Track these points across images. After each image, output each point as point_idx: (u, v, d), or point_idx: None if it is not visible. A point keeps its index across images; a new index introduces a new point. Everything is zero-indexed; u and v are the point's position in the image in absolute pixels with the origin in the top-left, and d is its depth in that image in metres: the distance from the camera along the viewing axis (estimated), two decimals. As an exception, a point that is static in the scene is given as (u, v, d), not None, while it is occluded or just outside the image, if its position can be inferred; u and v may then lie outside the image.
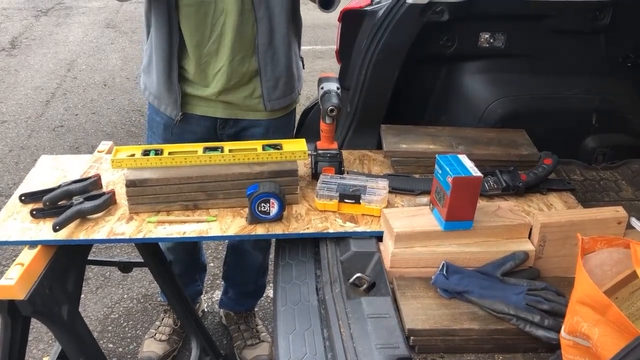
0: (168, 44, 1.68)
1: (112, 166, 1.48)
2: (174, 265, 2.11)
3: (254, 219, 1.44)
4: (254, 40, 1.70)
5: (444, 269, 1.29)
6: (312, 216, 1.49)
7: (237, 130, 1.86)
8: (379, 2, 1.97)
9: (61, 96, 4.73)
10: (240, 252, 2.23)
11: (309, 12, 1.87)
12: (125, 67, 5.34)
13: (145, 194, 1.46)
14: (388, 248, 1.35)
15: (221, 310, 2.50)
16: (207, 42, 1.68)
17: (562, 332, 1.02)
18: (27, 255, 1.31)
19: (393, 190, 1.59)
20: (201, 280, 2.43)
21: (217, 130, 1.85)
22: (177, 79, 1.73)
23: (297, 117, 2.18)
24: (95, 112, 4.48)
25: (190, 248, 2.25)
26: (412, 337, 1.17)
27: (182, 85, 1.76)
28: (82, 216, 1.43)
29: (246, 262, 2.25)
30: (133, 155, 1.48)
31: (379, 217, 1.47)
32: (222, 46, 1.69)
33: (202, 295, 2.56)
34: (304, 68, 1.95)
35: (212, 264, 2.86)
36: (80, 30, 6.30)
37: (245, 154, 1.50)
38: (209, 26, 1.66)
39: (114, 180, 1.61)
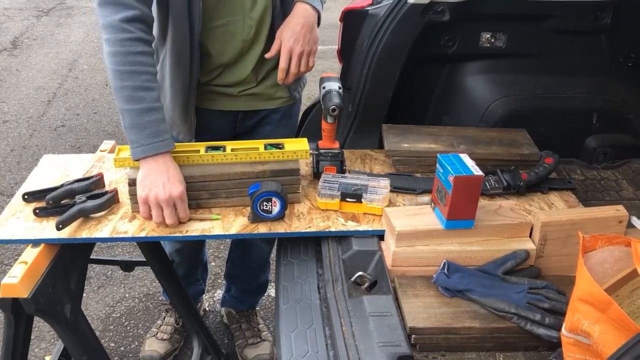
0: (187, 78, 1.64)
1: (114, 165, 1.49)
2: (179, 266, 2.12)
3: (256, 217, 1.44)
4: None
5: (445, 267, 1.29)
6: (314, 215, 1.49)
7: (256, 120, 1.85)
8: (380, 2, 1.97)
9: (62, 96, 4.74)
10: (245, 245, 2.24)
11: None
12: (126, 67, 5.34)
13: (148, 193, 1.47)
14: (389, 247, 1.35)
15: (223, 308, 2.50)
16: (237, 56, 1.68)
17: (563, 330, 1.03)
18: (30, 254, 1.32)
19: (394, 189, 1.60)
20: (203, 280, 2.44)
21: (237, 124, 1.85)
22: (194, 111, 1.71)
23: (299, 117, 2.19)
24: (97, 112, 4.49)
25: (197, 248, 2.26)
26: (413, 336, 1.18)
27: (206, 86, 1.74)
28: (85, 215, 1.43)
29: (251, 256, 2.25)
30: (136, 154, 1.48)
31: (381, 216, 1.47)
32: (250, 55, 1.69)
33: (204, 295, 2.57)
34: None
35: (213, 263, 2.86)
36: (81, 30, 6.31)
37: (247, 153, 1.50)
38: (240, 42, 1.65)
39: (116, 179, 1.61)
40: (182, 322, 2.32)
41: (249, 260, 2.27)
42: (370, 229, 1.45)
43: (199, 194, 1.50)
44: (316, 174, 1.63)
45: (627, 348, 0.81)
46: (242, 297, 2.40)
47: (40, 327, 2.41)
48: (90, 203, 1.44)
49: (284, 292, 1.35)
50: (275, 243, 1.76)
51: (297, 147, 1.53)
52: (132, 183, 1.45)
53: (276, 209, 1.43)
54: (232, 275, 2.39)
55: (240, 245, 2.27)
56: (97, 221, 1.44)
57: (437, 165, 1.36)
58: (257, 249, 2.23)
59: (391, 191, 1.56)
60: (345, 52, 2.02)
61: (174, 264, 1.94)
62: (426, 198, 1.57)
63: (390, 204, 1.52)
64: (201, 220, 1.47)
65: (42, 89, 4.84)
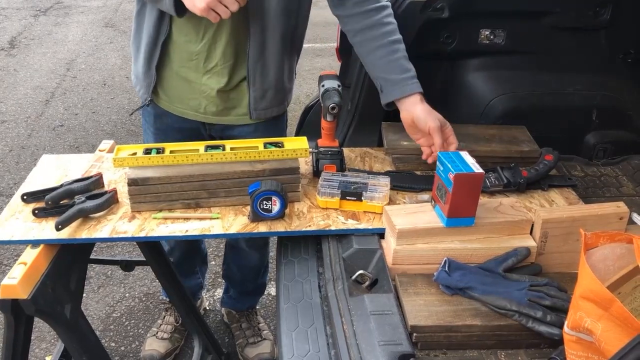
0: (155, 32, 1.66)
1: (114, 165, 1.48)
2: (172, 252, 2.11)
3: (256, 216, 1.44)
4: (246, 50, 1.66)
5: (446, 265, 1.29)
6: (314, 214, 1.49)
7: (223, 131, 1.84)
8: (379, 0, 1.97)
9: (61, 95, 4.73)
10: (237, 251, 2.24)
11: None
12: (124, 66, 5.33)
13: (147, 193, 1.47)
14: (390, 245, 1.35)
15: (223, 308, 2.50)
16: (200, 41, 1.65)
17: (565, 328, 1.03)
18: (29, 255, 1.31)
19: (394, 187, 1.59)
20: (202, 274, 2.42)
21: (205, 128, 1.84)
22: (156, 65, 1.71)
23: (299, 115, 2.18)
24: (95, 112, 4.48)
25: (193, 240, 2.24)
26: (414, 334, 1.18)
27: (175, 82, 1.75)
28: (85, 215, 1.43)
29: (243, 261, 2.25)
30: (135, 153, 1.48)
31: (381, 214, 1.47)
32: (216, 48, 1.66)
33: (204, 294, 2.57)
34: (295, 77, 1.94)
35: (213, 262, 2.86)
36: (79, 30, 6.29)
37: (246, 152, 1.50)
38: (203, 26, 1.63)
39: (115, 179, 1.61)
40: (183, 321, 2.32)
41: (242, 265, 2.27)
42: (370, 227, 1.44)
43: (199, 193, 1.49)
44: (316, 173, 1.63)
45: (631, 346, 0.81)
46: (240, 298, 2.40)
47: (41, 328, 2.41)
48: (90, 203, 1.43)
49: (285, 291, 1.34)
50: (273, 243, 1.75)
51: (297, 145, 1.53)
52: (132, 183, 1.45)
53: (276, 207, 1.43)
54: (228, 277, 2.39)
55: (233, 250, 2.27)
56: (96, 221, 1.44)
57: (437, 162, 1.36)
58: (249, 255, 2.23)
59: (391, 189, 1.55)
60: (345, 50, 2.01)
61: (168, 250, 1.91)
62: (426, 196, 1.57)
63: (391, 202, 1.52)
64: (201, 219, 1.46)
65: (40, 89, 4.83)
